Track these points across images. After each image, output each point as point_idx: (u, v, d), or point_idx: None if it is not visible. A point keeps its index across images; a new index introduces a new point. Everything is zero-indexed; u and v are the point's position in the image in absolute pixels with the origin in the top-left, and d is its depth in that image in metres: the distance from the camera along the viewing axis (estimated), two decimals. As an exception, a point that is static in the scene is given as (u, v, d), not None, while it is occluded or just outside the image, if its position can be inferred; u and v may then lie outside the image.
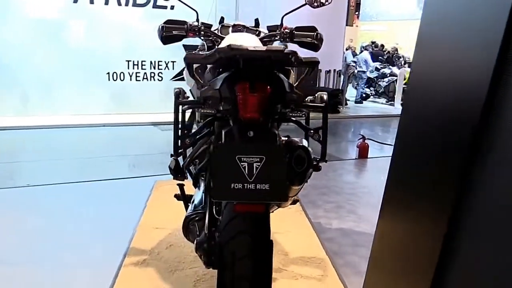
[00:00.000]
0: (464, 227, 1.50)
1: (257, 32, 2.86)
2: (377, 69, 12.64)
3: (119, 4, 7.70)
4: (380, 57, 13.13)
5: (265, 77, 1.48)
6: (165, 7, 8.09)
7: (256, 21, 2.95)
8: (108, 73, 7.81)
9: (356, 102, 12.04)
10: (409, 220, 1.86)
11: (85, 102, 7.68)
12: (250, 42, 2.52)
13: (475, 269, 1.48)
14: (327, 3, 2.66)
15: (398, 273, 1.92)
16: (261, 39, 2.61)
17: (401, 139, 1.96)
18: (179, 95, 1.66)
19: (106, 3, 7.57)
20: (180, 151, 1.90)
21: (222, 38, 2.76)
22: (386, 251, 2.05)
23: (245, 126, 1.50)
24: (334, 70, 11.06)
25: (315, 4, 2.68)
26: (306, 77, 1.74)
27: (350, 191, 4.33)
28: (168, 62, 8.26)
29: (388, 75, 12.44)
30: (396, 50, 13.55)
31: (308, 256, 2.62)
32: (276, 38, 2.72)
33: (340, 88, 10.84)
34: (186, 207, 2.28)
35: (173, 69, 8.37)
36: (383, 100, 12.58)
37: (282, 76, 1.54)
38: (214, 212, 1.82)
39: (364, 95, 12.44)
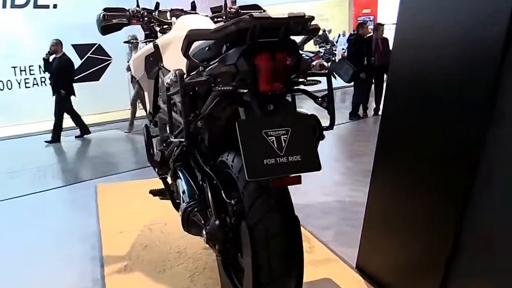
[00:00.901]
0: (481, 193, 1.59)
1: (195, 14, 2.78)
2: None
3: (-5, 6, 7.00)
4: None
5: (282, 47, 1.44)
6: (47, 6, 7.51)
7: (193, 4, 2.86)
8: (-7, 82, 7.08)
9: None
10: (412, 189, 1.91)
11: (-30, 118, 6.91)
12: (205, 23, 2.45)
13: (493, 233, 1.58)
14: None
15: (404, 241, 1.99)
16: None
17: (389, 104, 2.00)
18: (183, 76, 1.56)
19: (-19, 6, 6.83)
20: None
21: (167, 24, 2.65)
22: (383, 218, 2.10)
23: (264, 99, 1.46)
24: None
25: None
26: (303, 44, 1.73)
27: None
28: (60, 64, 7.69)
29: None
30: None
31: (287, 232, 2.63)
32: (223, 19, 2.67)
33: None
34: (173, 201, 2.16)
35: (65, 71, 7.80)
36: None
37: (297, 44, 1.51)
38: (224, 196, 1.75)
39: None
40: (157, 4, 2.73)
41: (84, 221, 3.47)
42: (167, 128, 2.47)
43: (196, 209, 1.87)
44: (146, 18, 2.61)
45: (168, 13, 2.72)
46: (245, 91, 1.47)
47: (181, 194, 2.04)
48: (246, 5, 2.73)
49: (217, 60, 1.48)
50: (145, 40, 2.85)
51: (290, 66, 1.43)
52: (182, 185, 2.07)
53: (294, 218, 1.53)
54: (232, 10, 2.65)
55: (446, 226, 1.70)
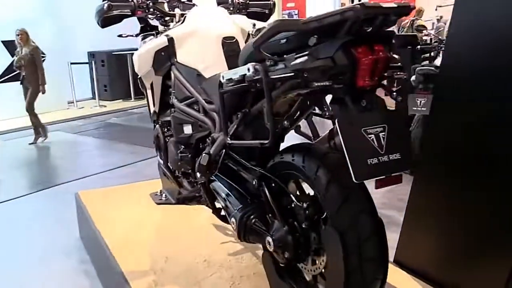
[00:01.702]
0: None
1: (194, 6, 2.64)
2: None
3: None
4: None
5: (380, 38, 1.34)
6: (-28, -1, 6.83)
7: None
8: None
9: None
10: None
11: None
12: (223, 14, 2.31)
13: None
14: None
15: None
16: None
17: (440, 100, 1.92)
18: (267, 71, 1.41)
19: None
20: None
21: (171, 16, 2.47)
22: (430, 213, 2.05)
23: (358, 95, 1.37)
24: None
25: None
26: None
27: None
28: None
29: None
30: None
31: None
32: (231, 10, 2.54)
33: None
34: (215, 208, 1.99)
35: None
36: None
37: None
38: (295, 199, 1.63)
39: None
40: None
41: (60, 233, 3.31)
42: (182, 128, 2.27)
43: (253, 215, 1.74)
44: (151, 9, 2.41)
45: (166, 4, 2.54)
46: (338, 86, 1.36)
47: (225, 199, 1.89)
48: (251, -6, 2.60)
49: (304, 53, 1.35)
50: (143, 34, 2.64)
51: (388, 60, 1.35)
52: (223, 190, 1.92)
53: (379, 218, 1.47)
54: (241, 0, 2.51)
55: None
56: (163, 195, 3.01)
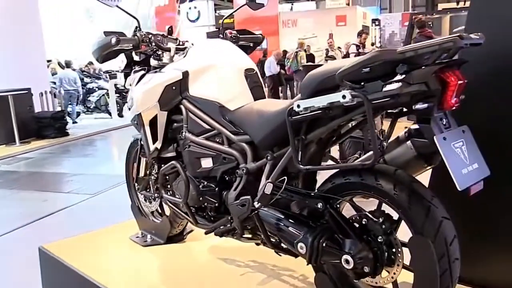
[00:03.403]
0: None
1: (177, 40, 2.66)
2: (83, 85, 12.12)
3: None
4: (84, 72, 12.65)
5: (458, 65, 1.53)
6: None
7: (170, 29, 2.71)
8: None
9: (73, 122, 11.34)
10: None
11: None
12: (231, 46, 2.36)
13: None
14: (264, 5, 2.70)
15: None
16: None
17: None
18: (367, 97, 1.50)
19: None
20: None
21: (167, 50, 2.45)
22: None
23: (441, 114, 1.54)
24: (48, 92, 10.10)
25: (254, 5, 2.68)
26: None
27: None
28: None
29: (96, 89, 12.16)
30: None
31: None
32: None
33: (62, 109, 10.11)
34: (268, 238, 1.96)
35: None
36: (97, 115, 12.32)
37: None
38: (372, 216, 1.72)
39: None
40: (136, 28, 2.50)
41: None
42: (200, 162, 2.23)
43: (323, 237, 1.78)
44: (153, 43, 2.37)
45: (152, 37, 2.51)
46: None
47: (280, 226, 1.90)
48: (242, 30, 2.68)
49: (396, 79, 1.48)
50: (134, 70, 2.57)
51: (466, 84, 1.53)
52: (274, 217, 1.93)
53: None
54: (232, 34, 2.57)
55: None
56: (148, 236, 2.87)
